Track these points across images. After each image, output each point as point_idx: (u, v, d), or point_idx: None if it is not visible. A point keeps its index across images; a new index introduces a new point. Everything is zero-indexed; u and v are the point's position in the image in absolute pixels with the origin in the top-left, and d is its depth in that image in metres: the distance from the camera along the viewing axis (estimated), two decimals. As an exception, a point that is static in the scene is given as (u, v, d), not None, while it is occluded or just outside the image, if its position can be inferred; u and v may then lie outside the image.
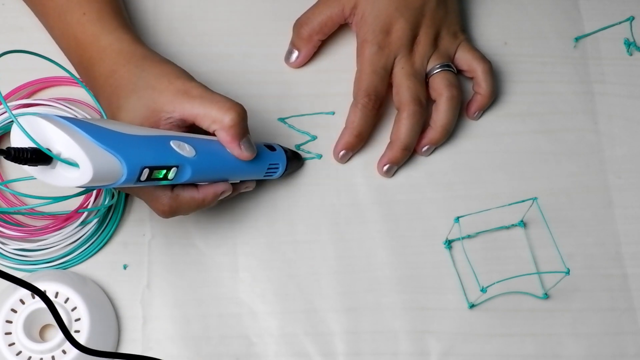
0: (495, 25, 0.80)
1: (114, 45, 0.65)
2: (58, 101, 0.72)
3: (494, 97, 0.76)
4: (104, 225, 0.71)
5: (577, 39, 0.79)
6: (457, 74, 0.75)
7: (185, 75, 0.64)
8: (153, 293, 0.69)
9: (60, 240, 0.69)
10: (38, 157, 0.51)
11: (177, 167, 0.58)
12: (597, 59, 0.79)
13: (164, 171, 0.58)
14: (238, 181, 0.67)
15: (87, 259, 0.70)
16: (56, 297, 0.65)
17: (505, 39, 0.80)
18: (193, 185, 0.63)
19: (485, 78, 0.75)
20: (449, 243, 0.72)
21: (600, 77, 0.78)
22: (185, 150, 0.59)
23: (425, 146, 0.75)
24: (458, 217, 0.69)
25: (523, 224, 0.73)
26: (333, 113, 0.76)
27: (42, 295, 0.50)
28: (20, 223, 0.70)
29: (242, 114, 0.62)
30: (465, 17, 0.80)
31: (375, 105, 0.73)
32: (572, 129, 0.77)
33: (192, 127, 0.63)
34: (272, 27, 0.78)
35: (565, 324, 0.71)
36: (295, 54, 0.76)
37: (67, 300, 0.65)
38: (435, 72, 0.74)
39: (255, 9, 0.78)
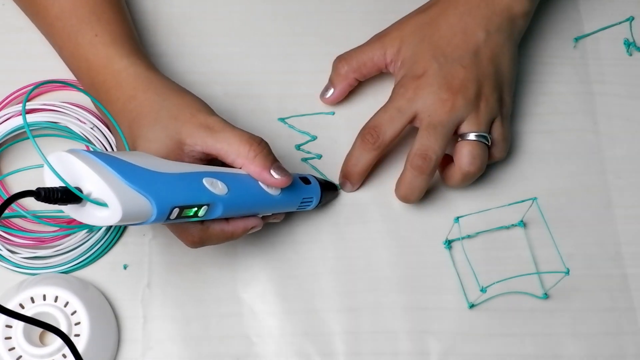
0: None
1: (129, 69, 0.64)
2: (64, 104, 0.72)
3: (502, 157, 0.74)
4: (110, 229, 0.70)
5: (577, 39, 0.80)
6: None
7: (207, 108, 0.64)
8: (153, 293, 0.69)
9: (69, 246, 0.69)
10: (68, 197, 0.51)
11: (208, 205, 0.58)
12: (597, 59, 0.79)
13: (195, 209, 0.58)
14: (270, 214, 0.67)
15: (91, 262, 0.70)
16: (56, 301, 0.65)
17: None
18: (221, 219, 0.63)
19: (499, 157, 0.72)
20: (448, 243, 0.72)
21: (600, 77, 0.78)
22: (217, 188, 0.59)
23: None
24: (458, 217, 0.69)
25: (523, 224, 0.73)
26: (333, 113, 0.76)
27: (60, 333, 0.52)
28: (24, 230, 0.70)
29: (263, 144, 0.63)
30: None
31: (375, 143, 0.70)
32: (572, 129, 0.77)
33: (214, 160, 0.64)
34: (272, 27, 0.78)
35: (565, 324, 0.71)
36: (331, 91, 0.75)
37: (66, 304, 0.65)
38: (467, 138, 0.70)
39: (255, 8, 0.78)
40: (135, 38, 0.69)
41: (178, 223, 0.60)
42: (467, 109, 0.69)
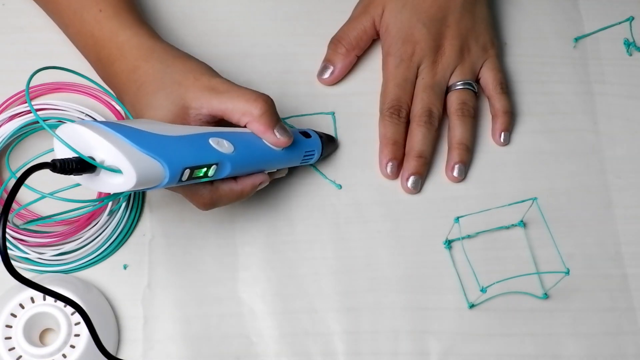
0: (496, 26, 0.80)
1: (132, 40, 0.65)
2: (67, 104, 0.72)
3: (512, 114, 0.76)
4: (121, 224, 0.71)
5: (576, 39, 0.80)
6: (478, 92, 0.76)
7: (210, 71, 0.64)
8: (154, 293, 0.69)
9: (74, 247, 0.69)
10: (83, 166, 0.52)
11: (217, 164, 0.59)
12: (597, 59, 0.80)
13: (205, 169, 0.58)
14: (275, 170, 0.68)
15: (98, 262, 0.70)
16: (56, 301, 0.65)
17: (505, 39, 0.80)
18: (229, 178, 0.64)
19: (504, 120, 0.75)
20: (449, 243, 0.72)
21: (600, 77, 0.79)
22: (224, 147, 0.60)
23: (452, 168, 0.74)
24: (458, 217, 0.69)
25: (523, 224, 0.73)
26: (333, 113, 0.76)
27: (77, 307, 0.54)
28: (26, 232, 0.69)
29: (269, 102, 0.63)
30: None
31: (402, 115, 0.74)
32: (572, 129, 0.77)
33: (220, 122, 0.64)
34: (272, 27, 0.78)
35: (565, 324, 0.71)
36: (330, 69, 0.76)
37: (66, 304, 0.63)
38: (455, 88, 0.75)
39: (255, 9, 0.78)
40: (137, 8, 0.69)
41: (189, 185, 0.61)
42: (454, 64, 0.74)
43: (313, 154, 0.70)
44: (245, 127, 0.64)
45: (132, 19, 0.66)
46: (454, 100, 0.75)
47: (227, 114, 0.63)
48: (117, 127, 0.54)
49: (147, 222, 0.72)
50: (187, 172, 0.57)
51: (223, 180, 0.63)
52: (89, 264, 0.70)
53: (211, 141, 0.59)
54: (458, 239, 0.72)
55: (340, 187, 0.74)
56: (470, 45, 0.75)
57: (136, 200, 0.72)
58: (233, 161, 0.60)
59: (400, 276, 0.71)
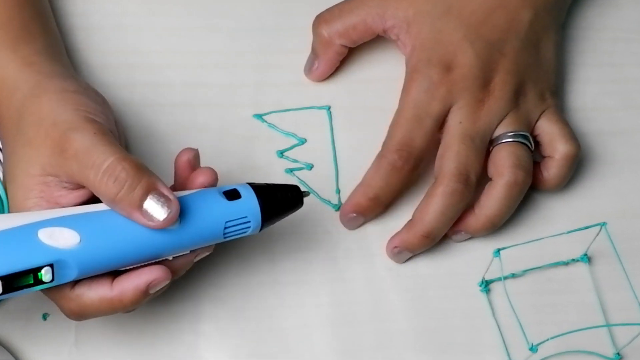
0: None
1: None
2: None
3: (558, 189, 0.70)
4: None
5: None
6: (534, 150, 0.69)
7: (69, 118, 0.56)
8: (82, 352, 0.64)
9: None
10: None
11: (51, 265, 0.54)
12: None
13: (32, 275, 0.53)
14: (171, 258, 0.59)
15: None
16: None
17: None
18: (103, 278, 0.57)
19: (562, 166, 0.68)
20: (486, 284, 0.68)
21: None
22: (62, 239, 0.54)
23: (458, 232, 0.68)
24: (498, 250, 0.64)
25: (587, 258, 0.69)
26: (328, 108, 0.72)
27: None
28: None
29: (125, 173, 0.55)
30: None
31: (407, 166, 0.66)
32: None
33: None
34: None
35: None
36: (316, 63, 0.72)
37: None
38: (503, 141, 0.67)
39: None
40: (18, 19, 0.63)
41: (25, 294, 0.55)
42: (505, 109, 0.67)
43: (247, 223, 0.59)
44: None
45: (4, 38, 0.60)
46: (503, 156, 0.66)
47: (87, 186, 0.55)
48: None
49: (75, 256, 0.66)
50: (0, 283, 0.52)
51: (89, 282, 0.56)
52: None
53: (41, 234, 0.53)
54: (499, 279, 0.67)
55: (338, 207, 0.69)
56: (526, 87, 0.68)
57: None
58: (80, 257, 0.54)
59: (420, 329, 0.67)
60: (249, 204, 0.59)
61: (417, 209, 0.67)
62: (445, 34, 0.67)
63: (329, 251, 0.68)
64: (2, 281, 0.52)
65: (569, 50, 0.76)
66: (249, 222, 0.59)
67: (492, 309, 0.67)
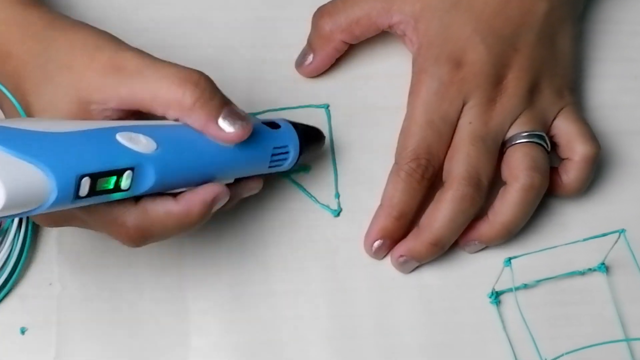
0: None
1: None
2: None
3: (578, 194, 0.69)
4: (10, 261, 0.64)
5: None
6: (550, 151, 0.68)
7: (112, 42, 0.57)
8: None
9: None
10: None
11: (132, 169, 0.53)
12: None
13: (114, 178, 0.53)
14: (232, 180, 0.61)
15: None
16: None
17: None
18: (169, 194, 0.57)
19: (582, 168, 0.67)
20: (496, 296, 0.66)
21: None
22: (141, 143, 0.55)
23: (471, 241, 0.67)
24: (509, 259, 0.62)
25: (605, 267, 0.68)
26: (327, 106, 0.70)
27: None
28: None
29: (203, 82, 0.56)
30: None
31: (427, 175, 0.65)
32: None
33: (141, 117, 0.58)
34: None
35: None
36: (310, 57, 0.70)
37: None
38: (517, 141, 0.66)
39: None
40: None
41: (102, 209, 0.55)
42: (518, 108, 0.66)
43: (287, 153, 0.63)
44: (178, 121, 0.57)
45: None
46: (517, 158, 0.65)
47: (144, 105, 0.55)
48: None
49: (54, 266, 0.65)
50: (87, 182, 0.51)
51: (153, 197, 0.56)
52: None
53: (120, 137, 0.53)
54: (510, 290, 0.66)
55: (337, 213, 0.68)
56: (541, 84, 0.67)
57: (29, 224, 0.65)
58: (158, 164, 0.54)
59: (426, 344, 0.65)
60: (289, 133, 0.63)
61: (424, 215, 0.66)
62: (454, 28, 0.66)
63: (327, 259, 0.67)
64: (90, 179, 0.51)
65: (587, 45, 0.75)
66: (289, 152, 0.63)
67: (503, 322, 0.66)
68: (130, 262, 0.65)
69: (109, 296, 0.65)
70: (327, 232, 0.68)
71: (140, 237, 0.56)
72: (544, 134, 0.67)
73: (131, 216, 0.55)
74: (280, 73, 0.71)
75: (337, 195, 0.68)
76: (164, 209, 0.56)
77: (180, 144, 0.57)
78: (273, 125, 0.63)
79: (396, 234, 0.66)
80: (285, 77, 0.71)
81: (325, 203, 0.68)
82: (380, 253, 0.66)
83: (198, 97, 0.55)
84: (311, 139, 0.66)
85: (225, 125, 0.56)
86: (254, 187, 0.63)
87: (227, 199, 0.58)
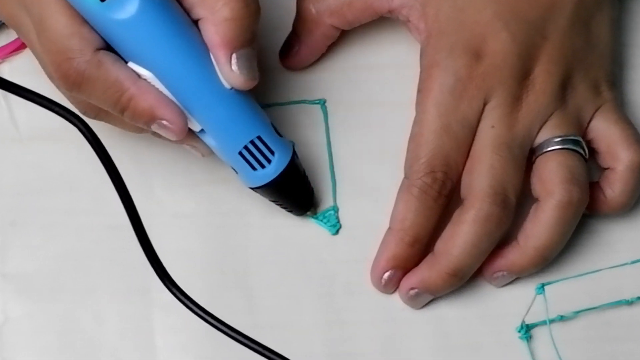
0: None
1: None
2: None
3: (626, 210, 0.65)
4: None
5: None
6: (587, 159, 0.63)
7: None
8: None
9: None
10: None
11: None
12: None
13: None
14: (197, 128, 0.57)
15: None
16: None
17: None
18: (134, 72, 0.55)
19: (628, 179, 0.63)
20: (527, 330, 0.61)
21: None
22: None
23: (498, 272, 0.62)
24: (542, 285, 0.60)
25: None
26: (323, 102, 0.65)
27: None
28: None
29: (250, 7, 0.55)
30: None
31: (444, 191, 0.60)
32: None
33: None
34: None
35: None
36: (295, 47, 0.67)
37: None
38: (549, 148, 0.61)
39: None
40: None
41: (58, 34, 0.54)
42: (549, 108, 0.61)
43: (269, 158, 0.59)
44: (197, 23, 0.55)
45: None
46: (551, 169, 0.60)
47: None
48: None
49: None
50: None
51: (115, 59, 0.54)
52: None
53: None
54: (543, 323, 0.60)
55: (336, 230, 0.63)
56: (575, 78, 0.62)
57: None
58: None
59: None
60: (284, 147, 0.59)
61: (440, 239, 0.60)
62: (470, 12, 0.61)
63: (323, 286, 0.61)
64: None
65: (628, 30, 0.69)
66: (272, 159, 0.58)
67: (534, 360, 0.61)
68: (89, 287, 0.60)
69: (62, 329, 0.60)
70: (323, 252, 0.62)
71: (75, 83, 0.54)
72: (580, 139, 0.61)
73: (84, 57, 0.53)
74: (268, 63, 0.66)
75: (335, 209, 0.63)
76: (115, 73, 0.54)
77: (172, 17, 0.54)
78: (276, 129, 0.60)
79: (410, 262, 0.61)
80: (274, 68, 0.67)
81: (320, 218, 0.63)
82: (390, 286, 0.62)
83: (233, 17, 0.53)
84: (303, 181, 0.62)
85: (236, 64, 0.54)
86: (200, 151, 0.59)
87: (170, 123, 0.55)
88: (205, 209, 0.62)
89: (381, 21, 0.66)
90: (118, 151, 0.61)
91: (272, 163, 0.59)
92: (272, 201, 0.62)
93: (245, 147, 0.58)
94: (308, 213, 0.63)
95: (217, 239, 0.63)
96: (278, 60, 0.67)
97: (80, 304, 0.61)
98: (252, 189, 0.60)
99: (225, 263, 0.63)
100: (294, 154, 0.61)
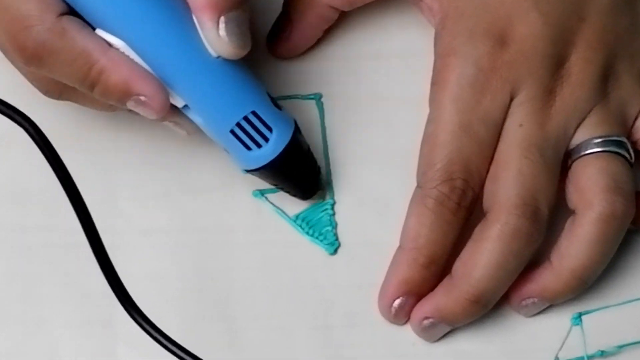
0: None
1: None
2: None
3: None
4: None
5: None
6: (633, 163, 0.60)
7: None
8: None
9: None
10: None
11: None
12: None
13: None
14: (180, 103, 0.54)
15: None
16: None
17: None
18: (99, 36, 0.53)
19: None
20: None
21: None
22: None
23: (528, 298, 0.58)
24: (579, 314, 0.56)
25: None
26: (319, 97, 0.61)
27: None
28: None
29: None
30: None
31: (464, 202, 0.57)
32: None
33: None
34: None
35: None
36: (285, 31, 0.64)
37: None
38: (588, 151, 0.57)
39: None
40: None
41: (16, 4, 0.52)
42: (588, 103, 0.56)
43: (264, 137, 0.55)
44: None
45: None
46: (590, 176, 0.56)
47: None
48: None
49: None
50: None
51: (82, 27, 0.51)
52: None
53: None
54: (580, 359, 0.56)
55: (334, 249, 0.58)
56: (618, 67, 0.58)
57: None
58: None
59: None
60: (284, 122, 0.55)
61: (459, 259, 0.56)
62: None
63: (320, 316, 0.57)
64: None
65: None
66: (270, 137, 0.55)
67: (571, 403, 0.59)
68: (40, 318, 0.55)
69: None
70: (319, 275, 0.58)
71: (34, 56, 0.51)
72: (625, 140, 0.56)
73: (45, 25, 0.50)
74: (258, 54, 0.62)
75: (333, 224, 0.59)
76: (83, 44, 0.50)
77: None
78: (274, 101, 0.57)
79: (424, 287, 0.57)
80: (265, 59, 0.62)
81: (316, 235, 0.59)
82: (402, 316, 0.57)
83: None
84: (308, 159, 0.58)
85: (224, 29, 0.51)
86: (184, 128, 0.55)
87: (154, 104, 0.52)
88: (179, 223, 0.57)
89: (383, 3, 0.63)
90: (73, 155, 0.56)
91: (270, 142, 0.56)
92: (273, 185, 0.58)
93: (238, 125, 0.54)
94: (314, 197, 0.60)
95: (193, 260, 0.58)
96: (265, 47, 0.62)
97: (30, 336, 0.56)
98: (247, 171, 0.56)
99: (203, 289, 0.58)
100: (296, 129, 0.57)
